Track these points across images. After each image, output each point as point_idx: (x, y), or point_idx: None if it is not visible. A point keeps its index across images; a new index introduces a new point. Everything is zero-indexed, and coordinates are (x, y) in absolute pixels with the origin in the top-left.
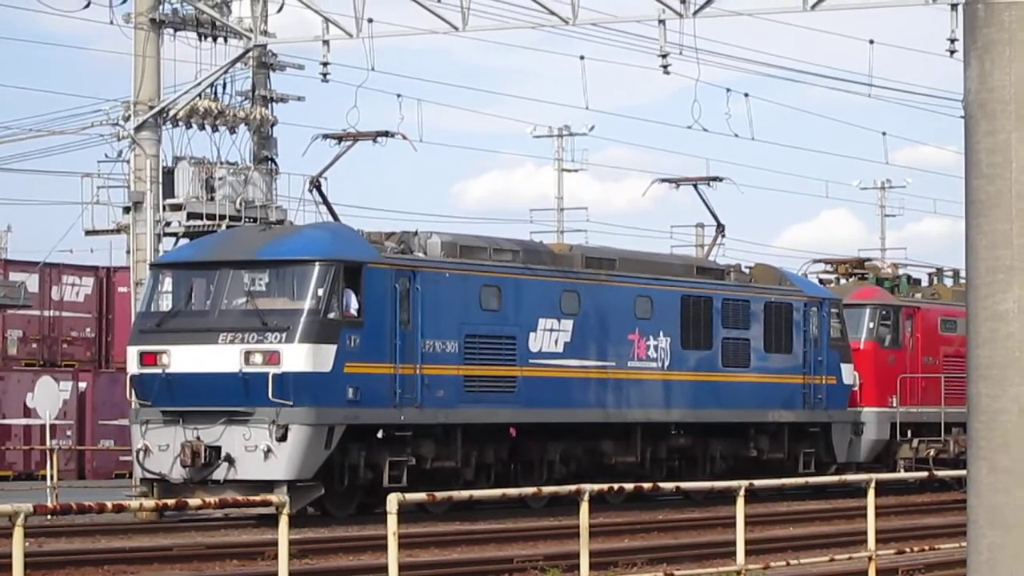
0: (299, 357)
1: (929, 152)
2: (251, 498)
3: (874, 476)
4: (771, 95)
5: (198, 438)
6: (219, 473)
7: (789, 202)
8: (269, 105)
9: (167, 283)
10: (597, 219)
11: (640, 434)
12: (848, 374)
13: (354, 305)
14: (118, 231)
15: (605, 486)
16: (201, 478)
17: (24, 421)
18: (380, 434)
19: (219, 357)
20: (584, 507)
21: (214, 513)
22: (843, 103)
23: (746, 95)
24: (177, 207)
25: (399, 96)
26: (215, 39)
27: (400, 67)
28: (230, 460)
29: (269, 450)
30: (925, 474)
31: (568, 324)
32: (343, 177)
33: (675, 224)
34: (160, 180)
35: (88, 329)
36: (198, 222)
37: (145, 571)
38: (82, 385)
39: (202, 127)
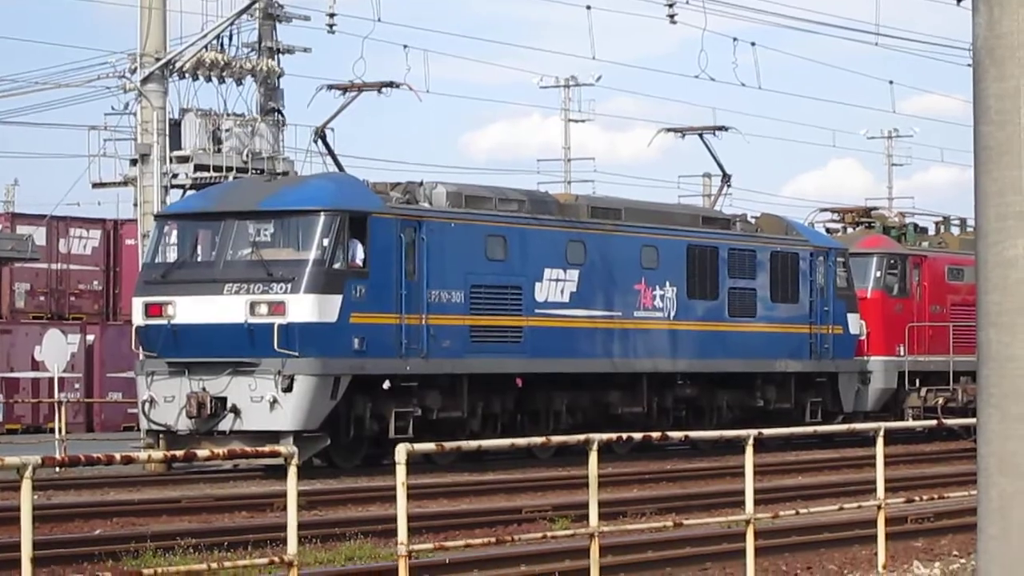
0: (304, 307)
1: (936, 100)
2: (260, 449)
3: (883, 425)
4: (778, 44)
5: (204, 389)
6: (225, 424)
7: (796, 151)
8: (275, 56)
9: (172, 234)
10: (604, 169)
11: (646, 384)
12: (855, 323)
13: (359, 255)
14: (125, 183)
15: (614, 436)
16: (207, 429)
17: (32, 374)
18: (386, 385)
19: (224, 308)
20: (593, 457)
21: (222, 465)
22: (850, 52)
23: (753, 44)
24: (184, 159)
25: (405, 47)
26: None
27: (406, 18)
28: (236, 411)
29: (275, 401)
30: (934, 422)
31: (574, 274)
32: (351, 128)
33: (682, 174)
34: (167, 132)
35: (96, 282)
36: (205, 174)
37: (154, 523)
38: (90, 338)
39: (208, 79)
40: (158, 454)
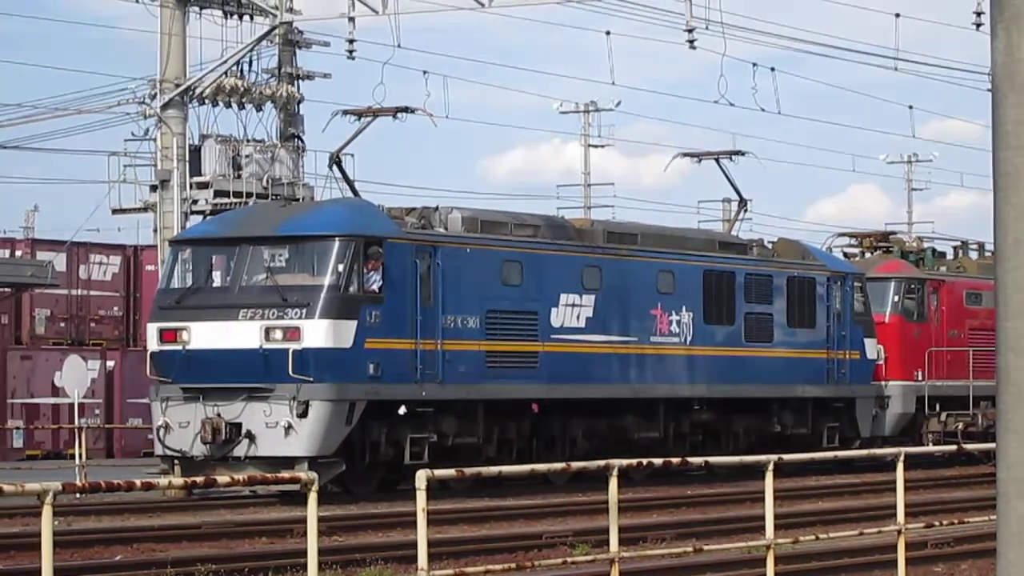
0: (319, 333)
1: (956, 125)
2: (280, 475)
3: (903, 450)
4: (797, 70)
5: (218, 415)
6: (240, 450)
7: (817, 177)
8: (295, 82)
9: (187, 260)
10: (624, 195)
11: (663, 410)
12: (871, 348)
13: (375, 281)
14: (145, 209)
15: (634, 461)
16: (222, 455)
17: (52, 400)
18: (402, 410)
19: (239, 333)
20: (613, 482)
21: (242, 491)
22: (869, 77)
23: (772, 70)
24: (204, 185)
25: (425, 73)
26: (241, 17)
27: (426, 44)
28: (251, 437)
29: (290, 426)
30: (954, 447)
31: (590, 299)
32: (371, 154)
33: (702, 199)
34: (187, 158)
35: (116, 308)
36: (225, 200)
37: (174, 549)
38: (110, 364)
39: (228, 105)
40: (178, 480)
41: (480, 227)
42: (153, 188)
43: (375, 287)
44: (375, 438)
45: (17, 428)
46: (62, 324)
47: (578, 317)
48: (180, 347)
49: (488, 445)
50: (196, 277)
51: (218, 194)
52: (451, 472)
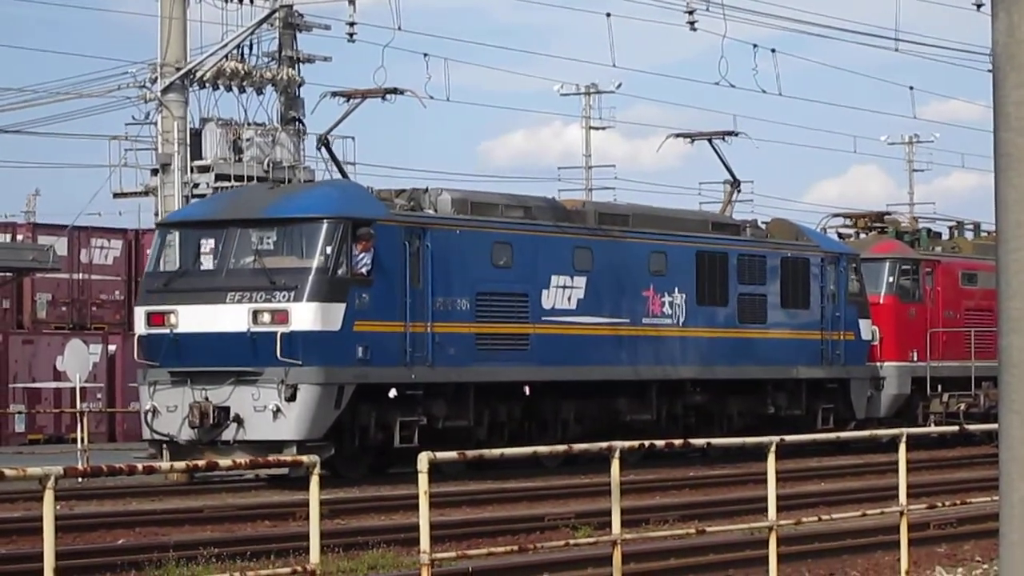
0: (308, 316)
1: (957, 106)
2: (281, 458)
3: (905, 431)
4: (798, 51)
5: (206, 398)
6: (228, 434)
7: (818, 158)
8: (296, 66)
9: (175, 243)
10: (625, 176)
11: (655, 391)
12: (866, 329)
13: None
14: (146, 193)
15: (635, 443)
16: (210, 439)
17: (54, 384)
18: (392, 393)
19: (227, 317)
20: (615, 464)
21: (240, 474)
22: (870, 58)
23: (773, 51)
24: (205, 168)
25: (426, 55)
26: (241, 0)
27: (427, 26)
28: (239, 420)
29: (278, 410)
30: (956, 428)
31: (581, 281)
32: (372, 138)
33: (703, 180)
34: (188, 142)
35: (117, 292)
36: (226, 183)
37: (176, 533)
38: (112, 348)
39: (229, 88)
40: (180, 464)
41: (470, 209)
42: (154, 172)
43: (364, 270)
44: (364, 421)
45: (19, 412)
46: (64, 308)
47: (569, 299)
48: (168, 331)
49: (479, 428)
50: (184, 260)
51: (219, 178)
52: (453, 454)
